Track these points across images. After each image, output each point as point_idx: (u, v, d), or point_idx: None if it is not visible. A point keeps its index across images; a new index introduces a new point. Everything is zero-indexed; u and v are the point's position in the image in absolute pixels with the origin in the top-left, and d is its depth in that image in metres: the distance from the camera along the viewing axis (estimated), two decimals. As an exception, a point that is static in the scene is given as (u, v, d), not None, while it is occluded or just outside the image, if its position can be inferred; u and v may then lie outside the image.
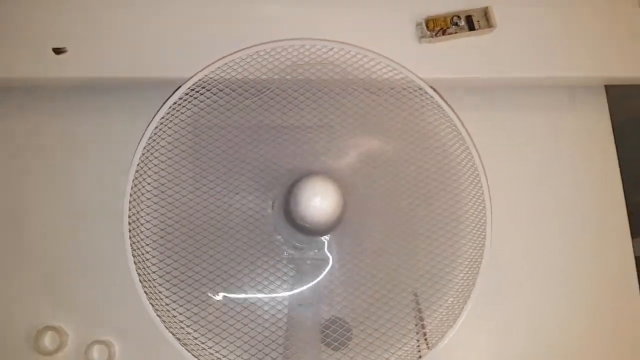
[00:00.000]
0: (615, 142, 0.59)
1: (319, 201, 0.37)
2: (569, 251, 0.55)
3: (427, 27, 0.51)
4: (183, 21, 0.50)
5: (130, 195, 0.41)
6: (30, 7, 0.49)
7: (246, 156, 0.43)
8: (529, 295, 0.54)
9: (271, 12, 0.51)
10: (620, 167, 0.58)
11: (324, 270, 0.43)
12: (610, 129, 0.59)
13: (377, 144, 0.44)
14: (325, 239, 0.42)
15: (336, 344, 0.43)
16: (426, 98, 0.44)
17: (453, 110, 0.45)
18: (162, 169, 0.43)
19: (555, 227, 0.56)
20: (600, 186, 0.57)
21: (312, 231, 0.40)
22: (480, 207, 0.44)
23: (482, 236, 0.43)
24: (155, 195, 0.42)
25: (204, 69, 0.42)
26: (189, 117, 0.43)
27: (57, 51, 0.49)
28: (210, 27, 0.50)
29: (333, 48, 0.45)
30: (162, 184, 0.43)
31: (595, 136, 0.58)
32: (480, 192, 0.44)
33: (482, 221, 0.44)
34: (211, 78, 0.43)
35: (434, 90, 0.45)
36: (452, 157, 0.45)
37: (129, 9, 0.49)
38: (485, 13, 0.52)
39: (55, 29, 0.49)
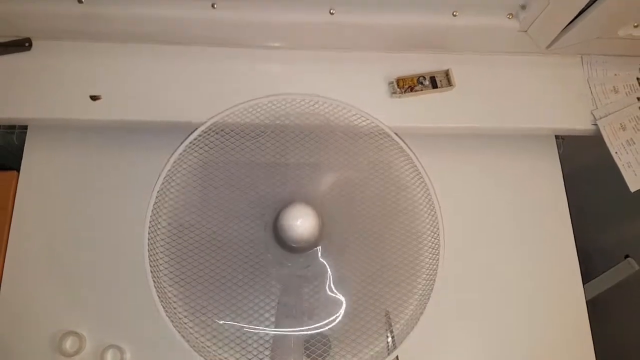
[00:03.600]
0: (567, 190, 0.68)
1: (300, 223, 0.46)
2: (519, 298, 0.63)
3: (397, 85, 0.62)
4: (198, 75, 0.61)
5: (150, 220, 0.50)
6: (73, 57, 0.60)
7: (244, 188, 0.53)
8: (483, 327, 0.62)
9: (270, 70, 0.62)
10: (570, 212, 0.66)
11: (313, 282, 0.52)
12: (560, 173, 0.68)
13: (351, 176, 0.54)
14: (319, 251, 0.50)
15: (315, 355, 0.51)
16: (392, 142, 0.54)
17: (413, 152, 0.54)
18: (177, 196, 0.53)
19: (506, 271, 0.64)
20: (552, 229, 0.66)
21: (296, 248, 0.49)
22: (435, 234, 0.53)
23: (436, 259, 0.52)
24: (169, 218, 0.52)
25: (215, 116, 0.52)
26: (200, 154, 0.53)
27: (94, 98, 0.59)
28: (218, 82, 0.61)
29: (319, 101, 0.55)
30: (176, 209, 0.53)
31: (546, 181, 0.68)
32: (434, 217, 0.52)
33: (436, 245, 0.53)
34: (220, 123, 0.53)
35: (397, 135, 0.54)
36: (410, 188, 0.54)
37: (154, 64, 0.60)
38: (447, 74, 0.63)
39: (91, 78, 0.59)
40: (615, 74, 0.66)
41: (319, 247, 0.50)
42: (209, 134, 0.53)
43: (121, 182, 0.63)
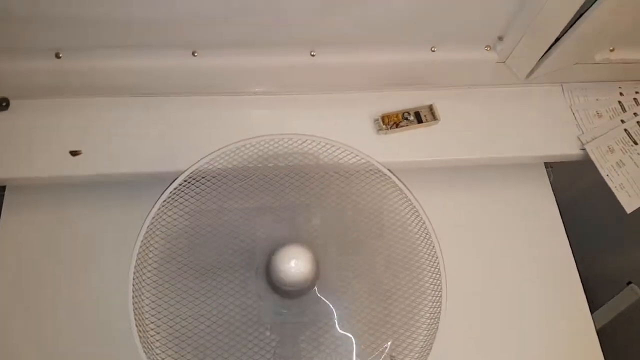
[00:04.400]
0: (563, 217, 0.67)
1: (294, 264, 0.44)
2: (527, 333, 0.61)
3: (383, 121, 0.61)
4: (181, 125, 0.60)
5: (133, 281, 0.47)
6: (51, 114, 0.59)
7: (231, 235, 0.50)
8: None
9: (253, 116, 0.62)
10: (569, 239, 0.65)
11: (311, 328, 0.49)
12: (554, 201, 0.68)
13: (343, 214, 0.52)
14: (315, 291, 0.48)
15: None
16: (384, 178, 0.53)
17: (407, 187, 0.53)
18: (161, 251, 0.50)
19: (510, 305, 0.62)
20: (552, 259, 0.64)
21: (292, 292, 0.47)
22: (435, 266, 0.51)
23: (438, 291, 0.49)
24: (154, 275, 0.49)
25: (198, 162, 0.51)
26: (182, 203, 0.51)
27: (74, 153, 0.58)
28: (201, 130, 0.60)
29: (307, 140, 0.54)
30: (161, 265, 0.50)
31: (541, 209, 0.67)
32: (434, 252, 0.51)
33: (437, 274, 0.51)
34: (202, 170, 0.52)
35: (390, 171, 0.54)
36: (407, 223, 0.53)
37: (135, 115, 0.59)
38: (431, 109, 0.63)
39: (70, 133, 0.58)
40: (597, 99, 0.67)
41: (315, 288, 0.47)
42: (191, 183, 0.51)
43: (105, 239, 0.60)
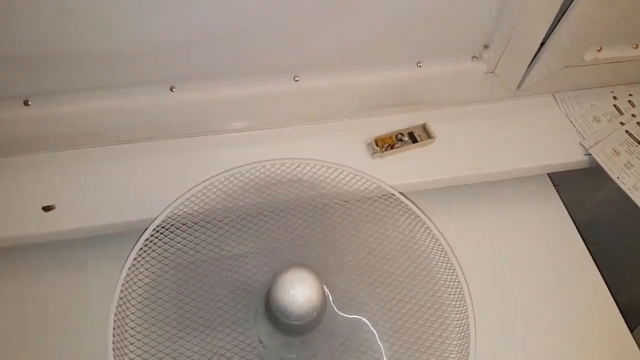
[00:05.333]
0: (586, 240, 0.62)
1: (299, 289, 0.38)
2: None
3: (377, 144, 0.58)
4: (160, 170, 0.55)
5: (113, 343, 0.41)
6: (20, 171, 0.54)
7: (222, 281, 0.45)
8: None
9: (238, 154, 0.58)
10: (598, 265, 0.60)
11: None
12: (565, 211, 0.64)
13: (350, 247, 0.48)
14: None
15: None
16: (396, 203, 0.49)
17: (422, 211, 0.49)
18: (139, 309, 0.45)
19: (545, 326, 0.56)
20: (578, 277, 0.60)
21: (300, 327, 0.40)
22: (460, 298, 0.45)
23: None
24: (139, 332, 0.43)
25: (171, 204, 0.47)
26: (159, 254, 0.46)
27: (47, 209, 0.53)
28: (183, 174, 0.55)
29: (300, 164, 0.51)
30: (145, 321, 0.44)
31: (553, 221, 0.63)
32: (459, 286, 0.46)
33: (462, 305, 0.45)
34: (184, 213, 0.47)
35: (403, 194, 0.50)
36: (426, 251, 0.48)
37: (110, 164, 0.55)
38: (424, 128, 0.60)
39: (40, 189, 0.54)
40: (592, 105, 0.65)
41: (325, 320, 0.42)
42: (169, 230, 0.46)
43: (82, 298, 0.54)
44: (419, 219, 0.49)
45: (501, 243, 0.62)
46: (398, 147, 0.59)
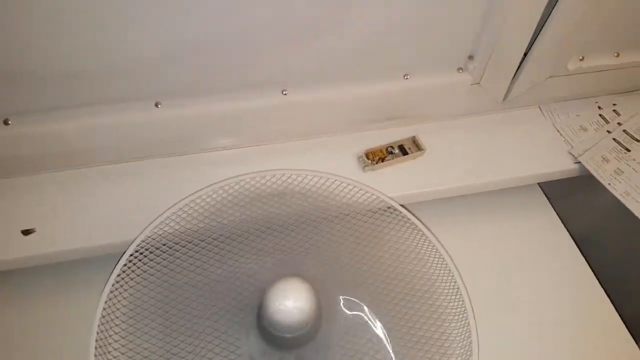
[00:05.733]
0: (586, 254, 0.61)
1: (292, 302, 0.37)
2: None
3: (367, 157, 0.58)
4: (145, 191, 0.54)
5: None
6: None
7: (210, 300, 0.43)
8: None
9: (226, 173, 0.56)
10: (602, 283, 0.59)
11: None
12: (558, 220, 0.63)
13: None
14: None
15: None
16: (395, 214, 0.48)
17: (424, 224, 0.48)
18: (128, 326, 0.42)
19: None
20: (575, 283, 0.59)
21: (296, 340, 0.38)
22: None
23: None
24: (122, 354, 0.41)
25: (152, 222, 0.45)
26: (142, 277, 0.44)
27: (26, 232, 0.51)
28: (170, 194, 0.53)
29: (298, 175, 0.50)
30: (130, 350, 0.42)
31: (548, 231, 0.62)
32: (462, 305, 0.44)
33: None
34: (165, 233, 0.45)
35: (404, 207, 0.49)
36: (425, 268, 0.47)
37: (88, 188, 0.54)
38: (414, 141, 0.60)
39: (18, 213, 0.52)
40: (577, 115, 0.66)
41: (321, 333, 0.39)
42: (151, 252, 0.45)
43: (64, 324, 0.51)
44: (419, 230, 0.48)
45: (496, 254, 0.61)
46: (389, 160, 0.58)
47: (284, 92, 0.54)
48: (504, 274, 0.59)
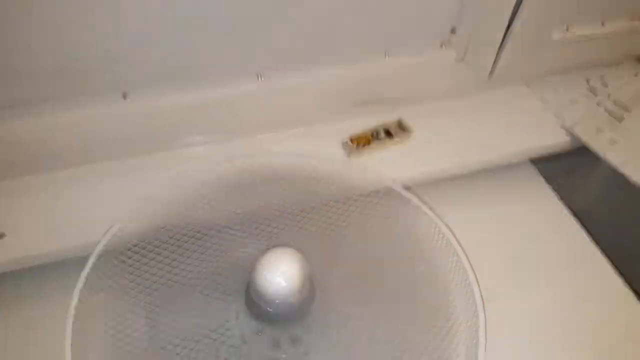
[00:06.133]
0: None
1: (279, 265, 0.34)
2: None
3: (352, 142, 0.55)
4: (113, 192, 0.50)
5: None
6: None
7: (197, 280, 0.40)
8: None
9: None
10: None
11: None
12: (555, 196, 0.60)
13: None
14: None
15: None
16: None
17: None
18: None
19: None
20: (579, 261, 0.56)
21: (288, 314, 0.35)
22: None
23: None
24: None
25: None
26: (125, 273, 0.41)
27: (-7, 238, 0.47)
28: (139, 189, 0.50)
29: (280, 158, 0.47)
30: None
31: (546, 208, 0.60)
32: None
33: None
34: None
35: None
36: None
37: (53, 192, 0.50)
38: (400, 124, 0.57)
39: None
40: (566, 89, 0.64)
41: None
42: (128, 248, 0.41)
43: (37, 331, 0.47)
44: (417, 209, 0.46)
45: (495, 236, 0.57)
46: (375, 145, 0.55)
47: (259, 77, 0.51)
48: (505, 254, 0.55)
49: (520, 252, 0.56)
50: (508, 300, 0.51)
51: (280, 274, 0.33)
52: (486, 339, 0.39)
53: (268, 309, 0.34)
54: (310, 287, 0.35)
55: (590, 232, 0.58)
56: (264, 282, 0.33)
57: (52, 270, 0.49)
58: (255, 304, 0.35)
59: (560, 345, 0.49)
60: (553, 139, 0.58)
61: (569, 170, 0.66)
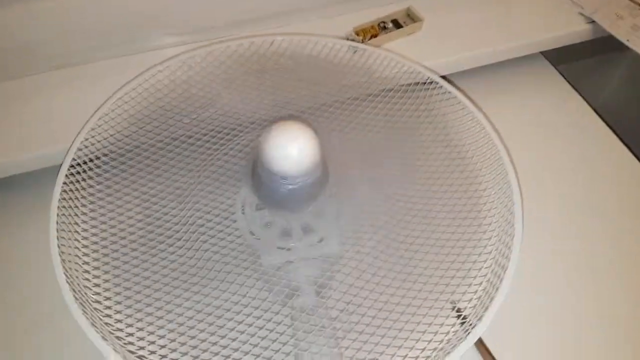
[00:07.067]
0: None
1: (295, 144, 0.30)
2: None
3: (357, 35, 0.51)
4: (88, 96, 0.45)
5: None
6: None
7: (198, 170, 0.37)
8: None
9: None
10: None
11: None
12: (573, 90, 0.57)
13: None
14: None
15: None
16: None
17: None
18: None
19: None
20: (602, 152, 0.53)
21: (301, 196, 0.32)
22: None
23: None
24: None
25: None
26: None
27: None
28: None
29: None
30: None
31: (564, 101, 0.57)
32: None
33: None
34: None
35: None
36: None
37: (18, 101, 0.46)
38: (408, 13, 0.53)
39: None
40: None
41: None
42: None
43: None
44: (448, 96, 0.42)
45: (516, 129, 0.53)
46: (382, 37, 0.52)
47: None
48: (529, 148, 0.52)
49: (545, 147, 0.53)
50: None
51: (298, 153, 0.30)
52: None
53: (278, 189, 0.31)
54: (319, 159, 0.31)
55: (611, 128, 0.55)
56: (271, 149, 0.30)
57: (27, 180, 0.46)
58: (262, 184, 0.31)
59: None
60: (573, 27, 0.55)
61: (588, 70, 0.63)
